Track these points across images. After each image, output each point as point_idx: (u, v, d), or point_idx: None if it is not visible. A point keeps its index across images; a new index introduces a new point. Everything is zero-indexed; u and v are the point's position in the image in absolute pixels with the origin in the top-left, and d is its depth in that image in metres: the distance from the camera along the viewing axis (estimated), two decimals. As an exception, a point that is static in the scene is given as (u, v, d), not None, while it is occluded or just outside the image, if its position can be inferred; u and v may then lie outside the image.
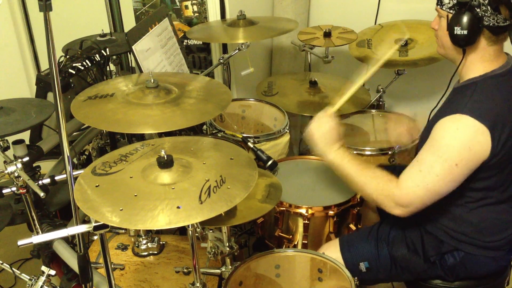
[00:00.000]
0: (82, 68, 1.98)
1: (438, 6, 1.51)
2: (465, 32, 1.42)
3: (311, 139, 1.65)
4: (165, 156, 1.24)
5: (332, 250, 1.69)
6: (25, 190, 1.61)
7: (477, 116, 1.38)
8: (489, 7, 1.39)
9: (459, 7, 1.43)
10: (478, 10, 1.40)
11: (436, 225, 1.60)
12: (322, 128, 1.64)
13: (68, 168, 1.20)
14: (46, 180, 1.62)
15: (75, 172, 1.29)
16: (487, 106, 1.41)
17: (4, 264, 1.61)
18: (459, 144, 1.39)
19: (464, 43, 1.45)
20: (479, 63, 1.48)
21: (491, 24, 1.41)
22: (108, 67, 2.20)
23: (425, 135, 1.59)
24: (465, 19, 1.41)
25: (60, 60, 1.99)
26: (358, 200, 1.85)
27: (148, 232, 1.88)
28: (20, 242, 1.12)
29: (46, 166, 1.85)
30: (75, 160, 2.24)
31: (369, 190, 1.54)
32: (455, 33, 1.44)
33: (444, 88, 1.68)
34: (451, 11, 1.46)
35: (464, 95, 1.46)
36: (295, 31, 2.60)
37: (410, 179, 1.46)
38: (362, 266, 1.65)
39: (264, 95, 2.49)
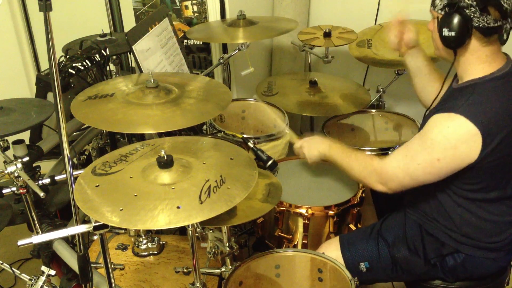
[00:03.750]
0: (82, 68, 1.98)
1: (432, 8, 1.50)
2: (453, 33, 1.42)
3: (307, 154, 1.83)
4: (165, 156, 1.24)
5: (332, 249, 1.69)
6: (25, 190, 1.61)
7: (471, 118, 1.36)
8: (477, 8, 1.38)
9: (448, 8, 1.43)
10: (467, 11, 1.39)
11: (437, 226, 1.60)
12: (312, 143, 1.83)
13: (68, 168, 1.20)
14: (46, 180, 1.62)
15: (75, 172, 1.29)
16: (483, 109, 1.39)
17: (4, 264, 1.61)
18: (446, 142, 1.40)
19: (454, 45, 1.45)
20: (477, 64, 1.46)
21: (480, 25, 1.39)
22: (108, 67, 2.20)
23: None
24: (453, 20, 1.41)
25: (60, 60, 1.99)
26: (358, 200, 1.85)
27: (148, 232, 1.88)
28: (20, 242, 1.12)
29: (46, 166, 1.85)
30: (75, 160, 2.24)
31: (355, 169, 1.64)
32: (443, 34, 1.44)
33: (444, 88, 1.68)
34: (442, 12, 1.45)
35: (462, 96, 1.44)
36: (295, 31, 2.60)
37: (395, 160, 1.53)
38: (363, 266, 1.65)
39: (264, 95, 2.49)
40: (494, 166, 1.43)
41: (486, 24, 1.39)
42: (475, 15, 1.39)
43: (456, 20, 1.40)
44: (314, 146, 1.80)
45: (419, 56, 1.85)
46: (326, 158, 1.76)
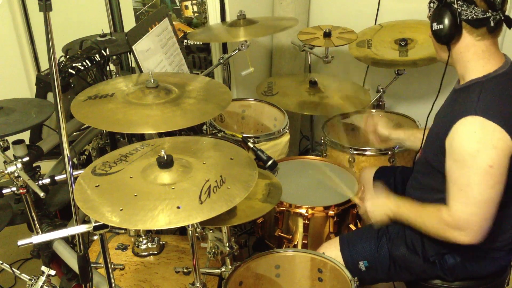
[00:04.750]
0: (82, 68, 1.98)
1: (428, 14, 1.51)
2: (441, 26, 1.42)
3: (373, 220, 1.68)
4: (165, 156, 1.24)
5: (332, 249, 1.69)
6: (25, 190, 1.62)
7: (489, 116, 1.35)
8: (461, 1, 1.39)
9: (436, 4, 1.44)
10: (454, 5, 1.40)
11: None
12: (377, 207, 1.67)
13: (68, 168, 1.20)
14: (46, 180, 1.62)
15: (75, 172, 1.29)
16: (497, 106, 1.39)
17: (4, 264, 1.61)
18: (483, 146, 1.35)
19: (445, 39, 1.45)
20: (475, 61, 1.45)
21: (469, 17, 1.39)
22: (108, 67, 2.20)
23: (430, 138, 1.58)
24: (440, 14, 1.42)
25: (60, 60, 1.99)
26: (358, 200, 1.85)
27: (148, 232, 1.88)
28: (20, 242, 1.12)
29: (46, 166, 1.85)
30: (75, 160, 2.24)
31: (429, 227, 1.50)
32: (433, 29, 1.45)
33: (444, 88, 1.68)
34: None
35: (471, 96, 1.43)
36: (295, 31, 2.60)
37: (457, 201, 1.41)
38: (362, 265, 1.65)
39: (264, 95, 2.49)
40: None
41: (474, 16, 1.39)
42: (463, 8, 1.39)
43: (443, 13, 1.41)
44: (379, 210, 1.65)
45: (396, 135, 1.97)
46: (396, 219, 1.60)
